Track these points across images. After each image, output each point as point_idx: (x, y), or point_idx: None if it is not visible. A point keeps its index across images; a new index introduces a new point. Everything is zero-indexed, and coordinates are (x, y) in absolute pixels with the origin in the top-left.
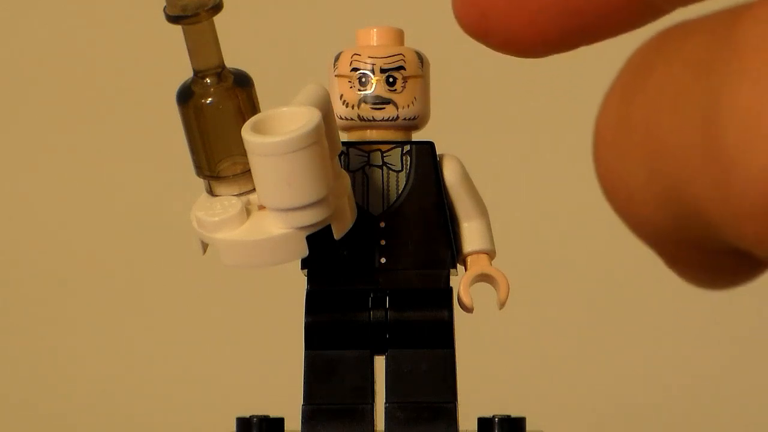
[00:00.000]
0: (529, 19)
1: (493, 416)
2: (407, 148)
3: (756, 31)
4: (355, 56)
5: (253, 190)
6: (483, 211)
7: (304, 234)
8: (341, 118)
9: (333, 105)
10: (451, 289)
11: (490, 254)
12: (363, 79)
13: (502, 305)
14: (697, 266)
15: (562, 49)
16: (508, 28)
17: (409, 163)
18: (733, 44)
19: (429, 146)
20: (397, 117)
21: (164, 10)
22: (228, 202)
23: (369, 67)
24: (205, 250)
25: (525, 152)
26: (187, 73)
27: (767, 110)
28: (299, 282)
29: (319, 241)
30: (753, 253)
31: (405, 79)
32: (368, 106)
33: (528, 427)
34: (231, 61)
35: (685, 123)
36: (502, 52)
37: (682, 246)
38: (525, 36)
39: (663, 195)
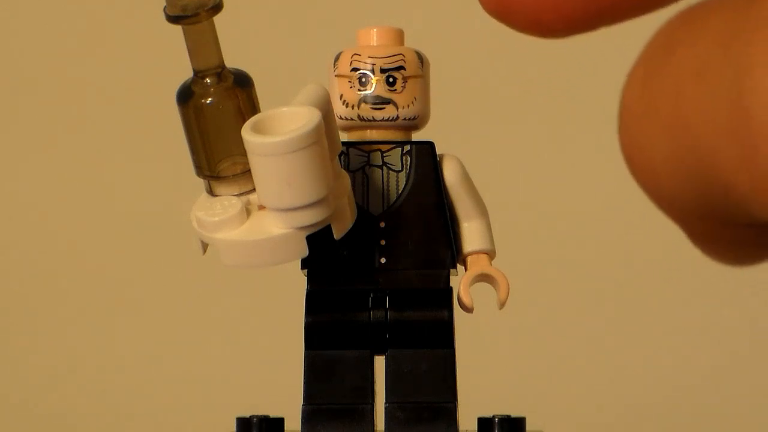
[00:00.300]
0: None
1: (493, 416)
2: (407, 148)
3: None
4: (355, 56)
5: (253, 190)
6: (483, 211)
7: (304, 234)
8: (341, 118)
9: (333, 105)
10: (451, 289)
11: (490, 254)
12: (363, 79)
13: (502, 305)
14: (722, 241)
15: (585, 29)
16: (530, 8)
17: (409, 163)
18: (757, 17)
19: (429, 146)
20: (397, 117)
21: (164, 10)
22: (228, 202)
23: (369, 67)
24: (205, 250)
25: (525, 152)
26: (187, 73)
27: None
28: (299, 282)
29: (319, 241)
30: None
31: (405, 79)
32: (368, 106)
33: (528, 427)
34: (231, 61)
35: (711, 95)
36: (524, 33)
37: (706, 220)
38: (548, 16)
39: (688, 168)
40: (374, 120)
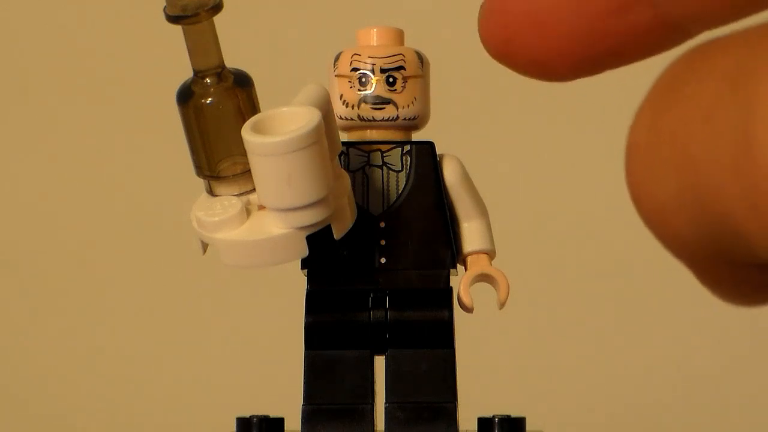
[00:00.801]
0: (554, 44)
1: (493, 416)
2: (407, 148)
3: None
4: (355, 56)
5: (253, 190)
6: (483, 211)
7: (304, 234)
8: (341, 118)
9: (333, 105)
10: (451, 289)
11: (490, 254)
12: (363, 79)
13: (502, 305)
14: (731, 282)
15: (589, 73)
16: (533, 52)
17: (409, 163)
18: (765, 56)
19: (429, 146)
20: (397, 117)
21: (164, 10)
22: (228, 202)
23: (369, 67)
24: (205, 250)
25: (525, 152)
26: (187, 73)
27: None
28: (299, 282)
29: (319, 241)
30: None
31: (405, 79)
32: (368, 106)
33: (528, 427)
34: (231, 61)
35: (717, 136)
36: (526, 76)
37: (714, 261)
38: (550, 60)
39: (694, 208)
40: (374, 120)
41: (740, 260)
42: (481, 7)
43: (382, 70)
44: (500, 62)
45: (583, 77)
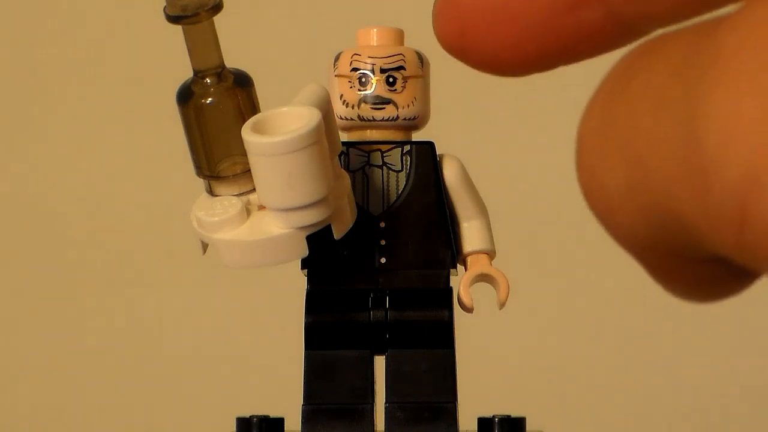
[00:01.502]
0: (508, 39)
1: (493, 416)
2: (407, 148)
3: (733, 38)
4: (355, 56)
5: (253, 190)
6: (483, 211)
7: (304, 234)
8: (341, 118)
9: (333, 105)
10: (451, 289)
11: (490, 254)
12: (363, 79)
13: (502, 305)
14: (681, 277)
15: (541, 69)
16: (486, 47)
17: (409, 163)
18: (711, 51)
19: (429, 146)
20: (397, 117)
21: (164, 10)
22: (228, 202)
23: (369, 67)
24: (205, 250)
25: (525, 152)
26: (187, 73)
27: (745, 115)
28: (299, 282)
29: (319, 241)
30: (735, 261)
31: (405, 79)
32: (368, 106)
33: (528, 427)
34: (231, 61)
35: (665, 129)
36: (479, 71)
37: (664, 256)
38: (504, 56)
39: (643, 203)
40: (374, 120)
41: (690, 255)
42: (435, 1)
43: (382, 70)
44: (453, 56)
45: (536, 73)
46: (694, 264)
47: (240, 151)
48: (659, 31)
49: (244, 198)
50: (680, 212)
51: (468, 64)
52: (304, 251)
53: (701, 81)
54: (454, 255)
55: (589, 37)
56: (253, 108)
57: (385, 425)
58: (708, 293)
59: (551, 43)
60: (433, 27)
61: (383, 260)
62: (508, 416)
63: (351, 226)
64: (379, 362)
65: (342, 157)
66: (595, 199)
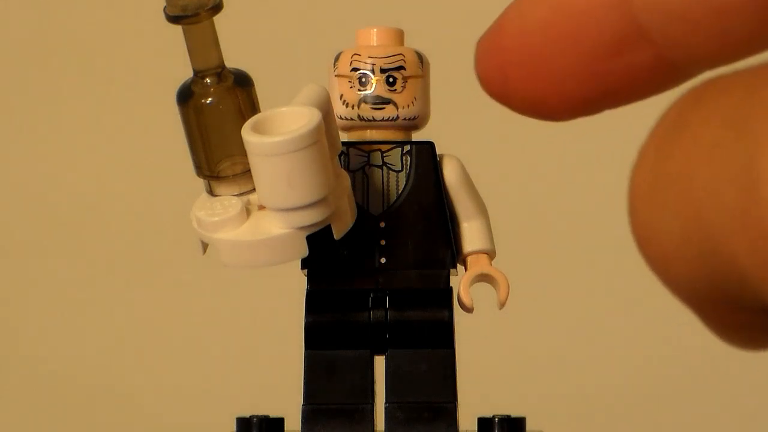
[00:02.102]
0: (552, 84)
1: (493, 416)
2: (407, 148)
3: None
4: (355, 56)
5: (253, 190)
6: (483, 211)
7: (304, 234)
8: (341, 118)
9: (333, 105)
10: (451, 289)
11: (490, 254)
12: (363, 79)
13: (502, 305)
14: (736, 327)
15: (586, 114)
16: (531, 92)
17: (409, 163)
18: (764, 99)
19: (429, 146)
20: (397, 117)
21: (164, 10)
22: (228, 202)
23: (369, 67)
24: (205, 250)
25: (525, 152)
26: (187, 73)
27: None
28: (299, 282)
29: (319, 241)
30: None
31: (405, 79)
32: (368, 106)
33: (528, 427)
34: (231, 61)
35: (722, 179)
36: (526, 116)
37: (719, 305)
38: (548, 101)
39: (699, 252)
40: (374, 120)
41: (746, 305)
42: (477, 44)
43: (382, 70)
44: (498, 102)
45: (582, 117)
46: (752, 314)
47: (240, 151)
48: (708, 73)
49: (244, 198)
50: (738, 263)
51: (510, 108)
52: (304, 251)
53: (760, 131)
54: (454, 255)
55: (636, 81)
56: (253, 108)
57: (385, 425)
58: (762, 342)
59: (597, 88)
60: (476, 71)
61: (383, 260)
62: (508, 416)
63: (351, 226)
64: (379, 362)
65: (342, 157)
66: (650, 249)
